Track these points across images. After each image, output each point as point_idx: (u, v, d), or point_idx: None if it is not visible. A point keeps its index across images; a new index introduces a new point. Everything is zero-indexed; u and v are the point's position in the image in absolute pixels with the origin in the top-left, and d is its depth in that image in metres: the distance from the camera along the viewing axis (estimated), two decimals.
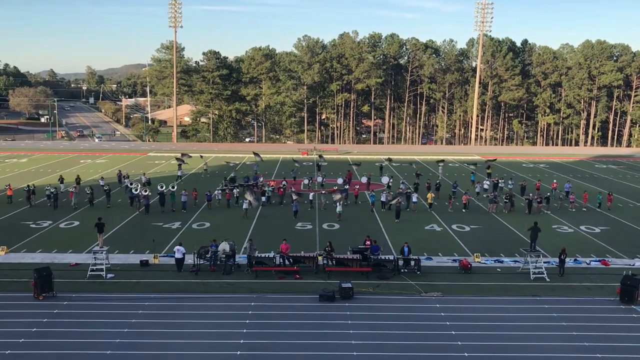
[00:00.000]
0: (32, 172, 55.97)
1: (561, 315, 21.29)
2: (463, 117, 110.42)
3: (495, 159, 62.98)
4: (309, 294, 23.13)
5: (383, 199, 39.66)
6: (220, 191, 40.94)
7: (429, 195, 40.60)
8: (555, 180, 48.72)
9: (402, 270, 25.97)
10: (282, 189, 41.78)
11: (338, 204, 36.88)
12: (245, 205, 36.51)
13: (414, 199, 39.77)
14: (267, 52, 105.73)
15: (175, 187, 41.61)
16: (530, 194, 41.22)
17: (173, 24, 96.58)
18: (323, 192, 41.28)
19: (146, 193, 39.22)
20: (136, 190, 40.45)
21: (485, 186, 46.03)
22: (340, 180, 46.15)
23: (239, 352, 18.05)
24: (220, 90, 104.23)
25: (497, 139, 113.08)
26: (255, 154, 60.98)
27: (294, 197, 37.50)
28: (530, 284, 24.85)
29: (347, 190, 42.00)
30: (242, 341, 18.82)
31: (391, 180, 47.27)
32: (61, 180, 45.96)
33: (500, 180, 47.49)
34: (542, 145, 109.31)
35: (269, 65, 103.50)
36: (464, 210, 39.16)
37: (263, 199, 40.00)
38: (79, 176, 47.97)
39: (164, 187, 40.84)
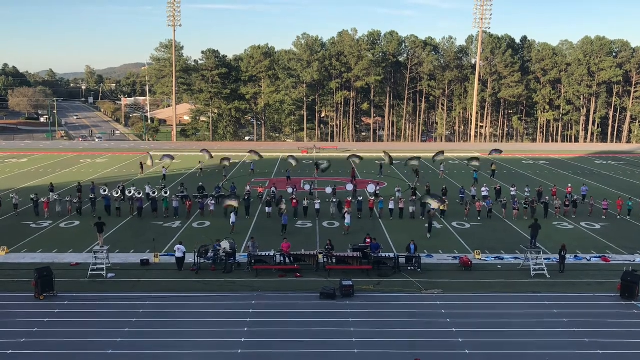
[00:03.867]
0: (32, 172, 55.97)
1: (562, 312, 21.31)
2: (463, 114, 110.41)
3: (502, 152, 61.55)
4: (310, 292, 23.15)
5: (391, 206, 37.12)
6: (213, 201, 38.39)
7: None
8: (570, 184, 45.02)
9: (409, 268, 25.92)
10: (295, 200, 37.74)
11: (347, 215, 33.42)
12: (232, 219, 33.08)
13: (434, 206, 36.34)
14: (266, 50, 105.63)
15: (168, 193, 39.13)
16: (547, 197, 39.08)
17: (172, 22, 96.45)
18: (334, 200, 37.40)
19: (140, 195, 38.00)
20: (128, 193, 38.65)
21: (484, 193, 41.95)
22: (329, 190, 41.43)
23: (239, 351, 18.07)
24: (219, 89, 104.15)
25: (496, 136, 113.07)
26: (254, 152, 59.58)
27: (283, 207, 34.27)
28: (530, 281, 24.86)
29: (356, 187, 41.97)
30: (242, 340, 18.84)
31: (378, 188, 43.17)
32: (51, 188, 41.69)
33: (512, 188, 43.18)
34: (542, 141, 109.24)
35: (268, 64, 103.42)
36: (479, 219, 36.08)
37: (268, 209, 36.69)
38: (52, 183, 43.68)
39: (156, 193, 38.87)
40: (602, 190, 46.06)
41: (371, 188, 42.32)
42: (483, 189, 42.83)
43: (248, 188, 43.11)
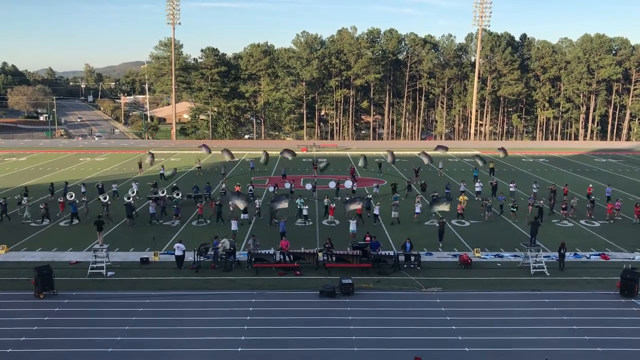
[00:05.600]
0: (32, 171, 55.94)
1: (561, 310, 21.32)
2: (462, 112, 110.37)
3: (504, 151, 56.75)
4: (310, 290, 23.16)
5: (376, 212, 34.39)
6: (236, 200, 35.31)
7: (461, 198, 37.29)
8: (590, 185, 42.92)
9: (404, 266, 25.96)
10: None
11: (350, 221, 31.08)
12: (234, 227, 30.74)
13: (417, 210, 35.05)
14: (266, 48, 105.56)
15: (180, 195, 37.15)
16: (541, 201, 36.66)
17: (171, 21, 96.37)
18: (348, 202, 34.85)
19: (164, 195, 35.24)
20: (103, 199, 35.09)
21: (478, 188, 41.82)
22: (308, 186, 40.72)
23: (239, 349, 18.08)
24: (219, 87, 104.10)
25: (496, 134, 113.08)
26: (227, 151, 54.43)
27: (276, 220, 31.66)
28: (530, 279, 24.88)
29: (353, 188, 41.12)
30: (242, 338, 18.84)
31: (355, 185, 41.92)
32: (25, 192, 38.56)
33: (511, 185, 42.65)
34: (542, 139, 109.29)
35: (268, 62, 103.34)
36: (460, 221, 34.67)
37: (244, 215, 33.90)
38: (27, 187, 41.48)
39: (130, 199, 35.39)
40: (602, 188, 45.96)
41: (348, 184, 41.69)
42: (477, 184, 42.94)
43: (224, 186, 41.30)
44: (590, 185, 42.68)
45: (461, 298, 22.54)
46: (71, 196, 36.13)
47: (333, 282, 23.36)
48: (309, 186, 41.17)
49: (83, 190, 38.97)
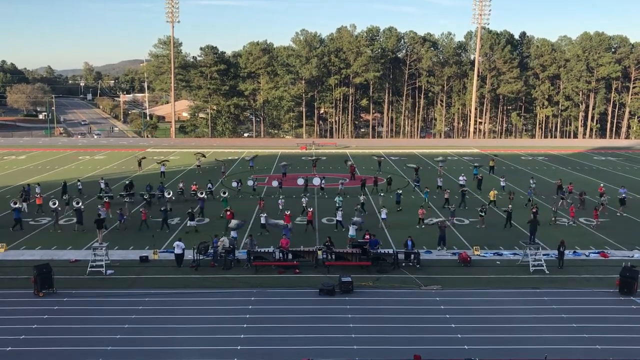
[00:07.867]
0: (31, 169, 55.90)
1: (560, 307, 21.35)
2: (461, 110, 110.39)
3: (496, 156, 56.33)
4: (309, 288, 23.17)
5: (339, 217, 32.41)
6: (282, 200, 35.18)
7: (491, 193, 37.66)
8: (602, 184, 41.97)
9: (403, 264, 26.00)
10: (230, 211, 32.47)
11: (350, 226, 29.52)
12: (233, 234, 28.53)
13: (383, 215, 33.35)
14: (265, 46, 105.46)
15: (227, 194, 36.73)
16: (510, 206, 33.73)
17: (170, 19, 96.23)
18: (281, 197, 34.10)
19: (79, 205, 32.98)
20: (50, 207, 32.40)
21: (462, 182, 41.07)
22: (275, 183, 40.28)
23: (239, 347, 18.09)
24: (218, 85, 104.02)
25: (495, 132, 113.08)
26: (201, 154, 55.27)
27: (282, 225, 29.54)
28: (529, 277, 24.90)
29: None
30: (242, 336, 18.86)
31: (323, 182, 41.30)
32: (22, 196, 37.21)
33: (502, 179, 42.55)
34: (541, 137, 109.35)
35: (267, 60, 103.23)
36: (417, 227, 32.74)
37: (191, 223, 31.78)
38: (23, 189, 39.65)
39: (80, 203, 33.86)
40: (603, 186, 45.96)
41: (316, 181, 41.41)
42: (460, 178, 43.20)
43: (181, 184, 40.15)
44: (602, 185, 42.08)
45: (460, 296, 22.56)
46: (15, 203, 33.49)
47: (332, 280, 23.38)
48: (275, 183, 41.11)
49: (15, 203, 34.11)
